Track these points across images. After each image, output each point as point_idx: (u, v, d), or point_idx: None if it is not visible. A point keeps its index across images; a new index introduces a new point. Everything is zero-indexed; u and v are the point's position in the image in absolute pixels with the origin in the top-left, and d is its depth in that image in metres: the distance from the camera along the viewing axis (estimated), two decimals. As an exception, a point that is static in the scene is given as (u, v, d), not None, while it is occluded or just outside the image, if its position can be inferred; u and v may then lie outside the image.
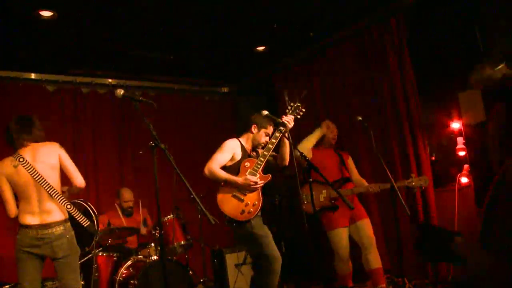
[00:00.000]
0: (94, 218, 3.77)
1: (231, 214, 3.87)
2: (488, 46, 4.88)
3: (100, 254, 5.13)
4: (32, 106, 6.14)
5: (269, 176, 4.01)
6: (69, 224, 3.61)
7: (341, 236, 4.71)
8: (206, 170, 4.00)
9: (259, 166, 3.96)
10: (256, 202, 3.93)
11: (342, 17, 5.81)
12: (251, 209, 3.89)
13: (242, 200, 3.91)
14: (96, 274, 4.88)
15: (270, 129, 4.15)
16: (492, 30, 4.90)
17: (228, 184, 3.93)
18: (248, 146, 4.19)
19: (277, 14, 5.50)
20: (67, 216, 3.61)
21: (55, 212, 3.55)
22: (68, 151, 6.19)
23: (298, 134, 6.84)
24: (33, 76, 6.41)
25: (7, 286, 4.57)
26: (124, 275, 5.02)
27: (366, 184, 4.81)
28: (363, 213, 4.78)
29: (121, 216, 5.91)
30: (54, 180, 3.59)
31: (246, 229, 3.88)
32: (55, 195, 3.51)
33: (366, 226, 4.72)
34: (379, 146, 5.40)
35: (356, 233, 4.74)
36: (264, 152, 3.98)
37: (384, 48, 5.71)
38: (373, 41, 5.86)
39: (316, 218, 4.69)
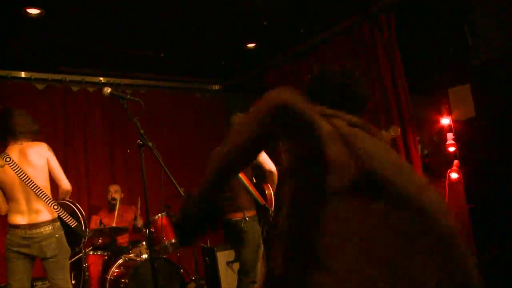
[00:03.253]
0: (81, 219, 3.73)
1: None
2: (477, 42, 4.90)
3: (91, 253, 5.11)
4: (21, 104, 6.06)
5: None
6: (58, 223, 3.58)
7: None
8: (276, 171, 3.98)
9: None
10: None
11: (333, 14, 5.80)
12: None
13: None
14: (87, 273, 4.86)
15: None
16: (481, 25, 4.92)
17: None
18: None
19: (267, 11, 5.48)
20: (56, 215, 3.58)
21: (43, 212, 3.52)
22: (59, 149, 6.26)
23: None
24: (22, 74, 6.36)
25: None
26: (115, 274, 5.01)
27: None
28: None
29: (111, 212, 5.97)
30: (41, 181, 3.55)
31: (259, 230, 3.92)
32: (42, 196, 3.48)
33: None
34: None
35: None
36: None
37: (374, 44, 5.71)
38: (363, 38, 5.86)
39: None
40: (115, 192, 6.00)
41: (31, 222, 3.47)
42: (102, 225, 5.69)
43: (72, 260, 4.97)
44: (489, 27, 4.84)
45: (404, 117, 5.44)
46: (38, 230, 3.47)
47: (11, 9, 4.71)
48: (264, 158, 3.92)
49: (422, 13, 5.36)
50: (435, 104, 5.40)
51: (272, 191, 4.03)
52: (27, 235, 3.45)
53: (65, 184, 3.72)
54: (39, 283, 4.66)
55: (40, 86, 6.52)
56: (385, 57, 5.60)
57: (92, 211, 6.32)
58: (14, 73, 6.28)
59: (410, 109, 5.43)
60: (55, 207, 3.52)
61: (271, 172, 3.91)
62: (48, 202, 3.49)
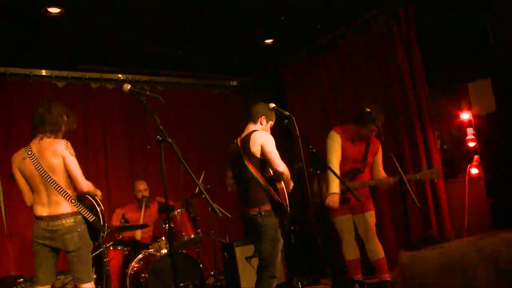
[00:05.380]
0: (99, 213, 3.68)
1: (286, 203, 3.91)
2: (498, 35, 4.83)
3: (111, 248, 5.18)
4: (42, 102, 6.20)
5: None
6: (80, 217, 3.58)
7: (342, 223, 4.76)
8: (284, 168, 3.81)
9: None
10: None
11: (350, 9, 5.77)
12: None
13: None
14: (108, 268, 4.93)
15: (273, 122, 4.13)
16: (502, 18, 4.85)
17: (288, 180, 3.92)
18: None
19: (284, 7, 5.48)
20: (77, 208, 3.59)
21: (64, 204, 3.53)
22: (78, 146, 6.35)
23: (306, 127, 6.86)
24: (43, 72, 6.47)
25: (21, 279, 4.64)
26: (135, 268, 5.08)
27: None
28: (369, 205, 4.75)
29: (138, 208, 6.04)
30: (59, 176, 3.55)
31: (276, 224, 3.86)
32: (58, 189, 3.51)
33: (368, 219, 4.69)
34: (388, 138, 5.38)
35: (359, 225, 4.74)
36: None
37: (392, 39, 5.66)
38: (381, 32, 5.81)
39: (324, 208, 4.68)
40: (145, 190, 6.07)
41: (52, 214, 3.50)
42: (122, 220, 5.76)
43: (93, 254, 5.05)
44: (510, 20, 4.77)
45: (423, 112, 5.39)
46: (59, 222, 3.49)
47: (32, 8, 4.79)
48: (273, 157, 3.79)
49: (441, 6, 5.29)
50: (455, 98, 5.34)
51: (283, 186, 3.95)
52: (49, 227, 3.49)
53: (80, 185, 3.61)
54: (61, 277, 4.74)
55: (60, 84, 6.63)
56: (404, 51, 5.55)
57: (112, 205, 6.41)
58: (35, 71, 6.40)
59: (429, 104, 5.38)
60: (72, 201, 3.54)
61: (278, 171, 3.80)
62: (64, 196, 3.52)
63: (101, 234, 3.68)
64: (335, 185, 4.50)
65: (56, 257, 3.61)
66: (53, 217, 3.51)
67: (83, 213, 3.58)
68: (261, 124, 4.05)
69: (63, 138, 3.72)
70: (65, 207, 3.54)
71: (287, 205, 3.85)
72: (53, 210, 3.52)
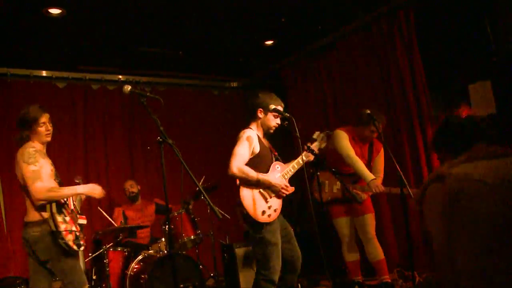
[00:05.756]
0: (49, 220, 3.27)
1: (251, 212, 3.58)
2: (498, 37, 4.83)
3: (111, 249, 5.18)
4: (43, 103, 6.12)
5: (293, 189, 3.78)
6: (46, 226, 3.25)
7: (341, 225, 4.79)
8: (234, 169, 3.55)
9: (289, 175, 3.80)
10: (278, 208, 3.71)
11: (351, 10, 5.78)
12: (272, 213, 3.66)
13: (267, 201, 3.67)
14: (107, 269, 4.93)
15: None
16: (503, 21, 4.85)
17: (258, 183, 3.65)
18: (260, 135, 3.85)
19: (285, 8, 5.48)
20: (46, 216, 3.28)
21: (31, 211, 3.32)
22: (79, 146, 6.38)
23: (306, 127, 6.86)
24: (44, 73, 6.47)
25: (19, 280, 4.63)
26: (135, 269, 5.07)
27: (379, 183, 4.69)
28: (369, 208, 4.75)
29: (131, 205, 6.17)
30: (24, 183, 3.32)
31: (259, 232, 3.61)
32: (28, 196, 3.33)
33: (368, 221, 4.69)
34: (388, 139, 5.38)
35: (359, 227, 4.75)
36: (295, 165, 3.82)
37: (393, 41, 5.67)
38: (382, 34, 5.82)
39: (325, 208, 4.69)
40: (131, 187, 6.14)
41: (25, 221, 3.34)
42: (122, 220, 5.77)
43: (93, 255, 5.06)
44: (510, 21, 4.77)
45: (423, 114, 5.39)
46: (26, 230, 3.30)
47: (33, 9, 4.80)
48: (231, 159, 3.59)
49: (441, 7, 5.29)
50: (455, 100, 5.34)
51: (250, 191, 3.66)
52: (22, 235, 3.34)
53: (32, 195, 3.25)
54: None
55: (61, 85, 6.64)
56: (404, 52, 5.56)
57: (113, 204, 6.44)
58: (36, 72, 6.40)
59: (429, 106, 5.39)
60: (39, 208, 3.29)
61: (228, 174, 3.58)
62: (32, 203, 3.30)
63: (60, 241, 3.26)
64: (367, 172, 4.45)
65: (41, 265, 3.36)
66: (25, 224, 3.35)
67: (49, 222, 3.27)
68: (259, 117, 3.84)
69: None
70: (32, 215, 3.32)
71: (246, 213, 3.59)
72: (26, 216, 3.36)
